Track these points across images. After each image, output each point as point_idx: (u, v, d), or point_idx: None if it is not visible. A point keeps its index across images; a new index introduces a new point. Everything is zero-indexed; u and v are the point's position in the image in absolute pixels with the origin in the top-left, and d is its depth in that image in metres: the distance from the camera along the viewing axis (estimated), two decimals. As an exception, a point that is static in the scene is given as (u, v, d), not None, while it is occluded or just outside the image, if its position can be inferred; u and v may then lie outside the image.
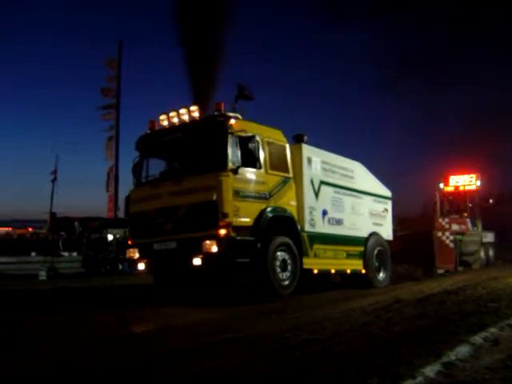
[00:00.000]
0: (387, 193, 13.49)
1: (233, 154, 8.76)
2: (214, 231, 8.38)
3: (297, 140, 10.68)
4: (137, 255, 9.32)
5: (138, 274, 10.28)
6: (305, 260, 9.90)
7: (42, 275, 18.60)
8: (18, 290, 13.15)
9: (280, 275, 9.11)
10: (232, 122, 8.90)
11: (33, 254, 21.15)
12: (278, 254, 9.13)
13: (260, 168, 9.24)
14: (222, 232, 8.36)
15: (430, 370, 3.71)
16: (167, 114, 9.55)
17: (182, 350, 4.68)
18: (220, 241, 8.30)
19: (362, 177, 12.41)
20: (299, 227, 9.86)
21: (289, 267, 9.31)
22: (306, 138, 10.83)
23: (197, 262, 8.42)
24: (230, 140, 8.79)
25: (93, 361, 4.46)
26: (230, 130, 8.82)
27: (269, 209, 9.19)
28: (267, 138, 9.62)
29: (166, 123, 9.60)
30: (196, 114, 9.27)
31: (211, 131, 9.05)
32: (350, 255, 11.45)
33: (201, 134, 9.20)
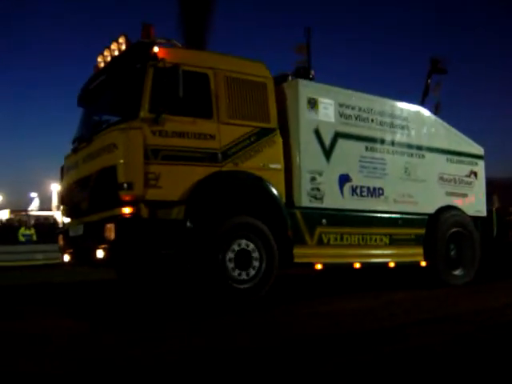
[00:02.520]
0: (476, 149, 9.27)
1: (152, 95, 5.91)
2: (115, 210, 5.72)
3: (296, 76, 7.40)
4: (62, 243, 7.05)
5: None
6: (297, 250, 6.69)
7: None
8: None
9: (234, 274, 6.09)
10: (155, 49, 6.03)
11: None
12: (236, 242, 6.13)
13: (207, 116, 6.25)
14: (126, 211, 5.63)
15: None
16: (103, 53, 7.05)
17: (383, 329, 4.87)
18: (118, 224, 5.60)
19: (427, 126, 8.51)
20: (283, 202, 6.66)
21: (254, 263, 6.23)
22: (312, 73, 7.51)
23: (99, 254, 5.82)
24: (150, 75, 5.94)
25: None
26: (151, 62, 5.99)
27: (219, 175, 6.19)
28: (228, 72, 6.51)
29: (102, 65, 7.10)
30: (124, 48, 6.60)
31: (128, 65, 6.30)
32: (396, 240, 7.81)
33: (119, 71, 6.48)
